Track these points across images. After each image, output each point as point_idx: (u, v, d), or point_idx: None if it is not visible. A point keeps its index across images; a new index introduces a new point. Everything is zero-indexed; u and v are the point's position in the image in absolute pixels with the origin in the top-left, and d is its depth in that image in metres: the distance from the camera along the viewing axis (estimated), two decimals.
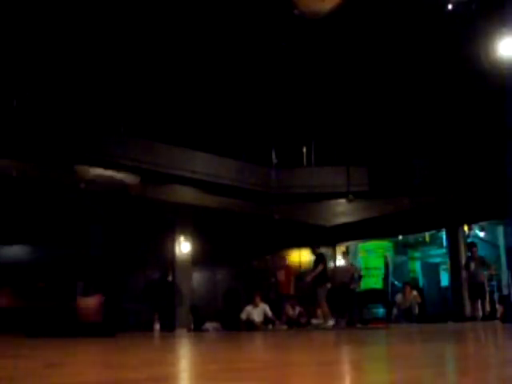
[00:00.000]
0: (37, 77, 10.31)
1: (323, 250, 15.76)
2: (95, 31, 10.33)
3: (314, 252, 10.85)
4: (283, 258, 12.80)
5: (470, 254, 11.18)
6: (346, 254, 12.31)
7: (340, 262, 15.98)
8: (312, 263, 10.72)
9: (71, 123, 10.13)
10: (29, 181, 10.14)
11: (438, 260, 18.30)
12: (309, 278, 10.24)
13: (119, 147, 10.53)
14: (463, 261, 12.09)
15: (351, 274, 11.33)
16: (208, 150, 11.89)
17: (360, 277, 11.48)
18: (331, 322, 9.92)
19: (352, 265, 11.92)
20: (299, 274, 12.47)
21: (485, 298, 10.73)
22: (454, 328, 7.96)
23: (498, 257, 15.66)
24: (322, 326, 10.10)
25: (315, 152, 13.30)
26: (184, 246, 12.94)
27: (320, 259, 10.50)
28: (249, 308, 10.83)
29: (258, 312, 10.75)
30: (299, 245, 15.43)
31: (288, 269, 12.18)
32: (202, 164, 11.71)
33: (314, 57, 11.64)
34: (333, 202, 13.15)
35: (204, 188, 11.91)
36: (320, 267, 10.22)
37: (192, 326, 11.26)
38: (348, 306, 11.26)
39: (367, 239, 16.80)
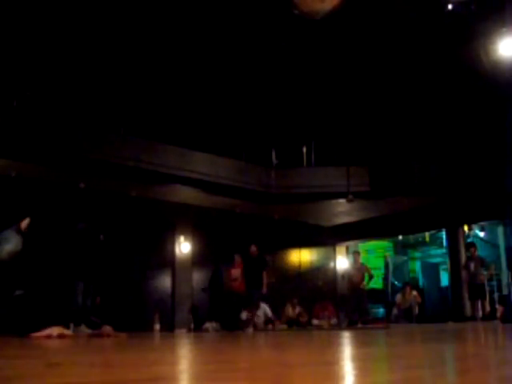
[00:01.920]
0: (37, 77, 10.32)
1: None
2: (95, 31, 10.34)
3: (253, 254, 10.41)
4: (239, 256, 11.28)
5: (469, 255, 11.19)
6: (358, 254, 12.20)
7: (344, 261, 16.01)
8: (256, 266, 10.18)
9: (71, 123, 10.14)
10: (28, 181, 10.14)
11: (437, 260, 18.35)
12: (265, 291, 10.08)
13: (119, 147, 10.53)
14: (463, 261, 12.10)
15: (362, 274, 11.31)
16: (208, 150, 11.90)
17: (371, 277, 11.47)
18: (251, 329, 9.68)
19: (363, 265, 11.88)
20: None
21: (485, 298, 10.73)
22: (454, 328, 7.96)
23: (498, 257, 15.70)
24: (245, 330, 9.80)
25: (315, 152, 13.30)
26: (184, 246, 12.94)
27: (264, 263, 10.26)
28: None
29: (257, 312, 10.74)
30: (299, 245, 15.45)
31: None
32: (202, 164, 11.72)
33: (314, 57, 11.64)
34: (333, 201, 13.15)
35: (204, 188, 11.91)
36: (266, 274, 10.00)
37: (192, 326, 11.26)
38: (358, 306, 11.25)
39: (367, 239, 16.81)
